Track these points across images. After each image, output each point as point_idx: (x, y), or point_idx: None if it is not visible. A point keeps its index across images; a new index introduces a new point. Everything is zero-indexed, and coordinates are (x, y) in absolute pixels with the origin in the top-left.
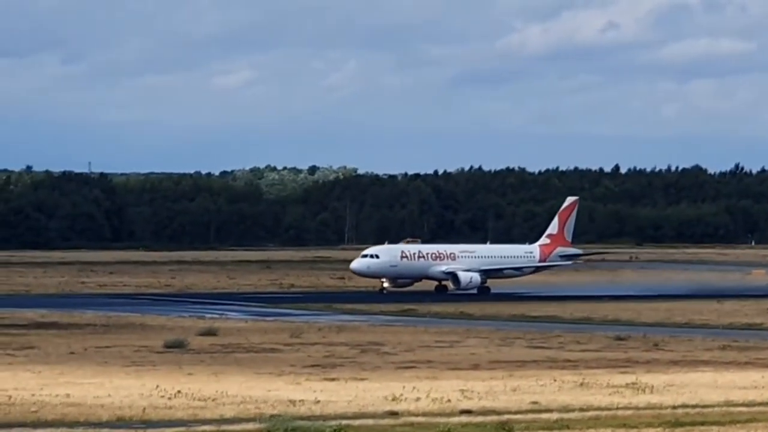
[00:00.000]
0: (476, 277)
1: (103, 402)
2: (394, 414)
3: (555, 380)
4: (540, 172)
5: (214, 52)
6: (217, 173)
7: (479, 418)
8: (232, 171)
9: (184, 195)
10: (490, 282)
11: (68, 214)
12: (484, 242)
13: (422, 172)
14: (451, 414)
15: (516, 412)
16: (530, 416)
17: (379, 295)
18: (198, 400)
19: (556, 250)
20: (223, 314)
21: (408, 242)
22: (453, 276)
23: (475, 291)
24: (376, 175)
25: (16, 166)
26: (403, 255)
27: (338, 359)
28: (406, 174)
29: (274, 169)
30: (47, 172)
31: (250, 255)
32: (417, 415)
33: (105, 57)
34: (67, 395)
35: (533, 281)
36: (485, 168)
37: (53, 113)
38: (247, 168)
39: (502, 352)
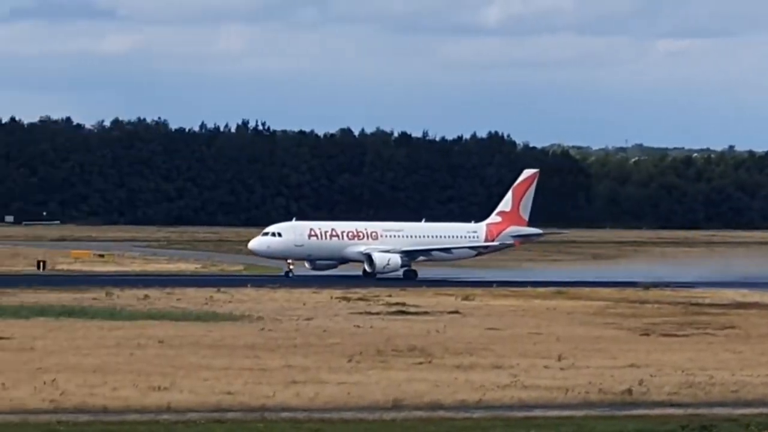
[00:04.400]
0: (395, 258)
1: None
2: None
3: None
4: None
5: None
6: None
7: None
8: None
9: None
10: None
11: None
12: None
13: None
14: None
15: None
16: None
17: None
18: None
19: (508, 229)
20: None
21: None
22: (368, 257)
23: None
24: None
25: (718, 146)
26: (312, 233)
27: None
28: None
29: None
30: (750, 152)
31: None
32: None
33: None
34: None
35: None
36: None
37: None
38: None
39: None
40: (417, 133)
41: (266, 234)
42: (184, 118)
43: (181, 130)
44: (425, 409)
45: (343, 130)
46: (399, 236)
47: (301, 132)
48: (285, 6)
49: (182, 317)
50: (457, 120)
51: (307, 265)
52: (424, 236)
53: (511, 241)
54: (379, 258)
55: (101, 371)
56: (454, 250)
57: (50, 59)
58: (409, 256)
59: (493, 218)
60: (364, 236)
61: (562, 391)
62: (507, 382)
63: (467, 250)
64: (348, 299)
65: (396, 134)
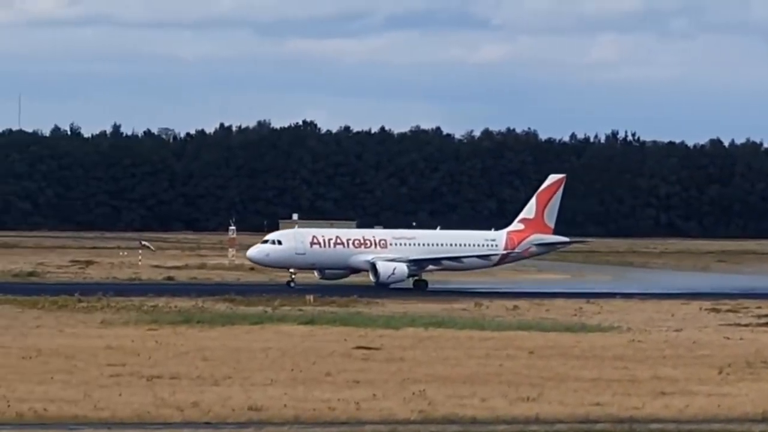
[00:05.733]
0: (401, 268)
1: None
2: None
3: None
4: None
5: None
6: None
7: None
8: None
9: None
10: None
11: None
12: None
13: None
14: None
15: None
16: None
17: None
18: None
19: (531, 237)
20: None
21: None
22: (372, 266)
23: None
24: None
25: None
26: (315, 241)
27: None
28: None
29: None
30: None
31: None
32: None
33: None
34: None
35: None
36: None
37: None
38: None
39: None
40: None
41: (266, 242)
42: (553, 128)
43: (550, 141)
44: None
45: (712, 141)
46: (410, 244)
47: (671, 143)
48: (658, 16)
49: (551, 328)
50: None
51: (316, 274)
52: (436, 244)
53: (534, 250)
54: (383, 267)
55: (470, 382)
56: (464, 260)
57: (422, 69)
58: (417, 265)
59: (515, 225)
60: (371, 244)
61: None
62: None
63: (477, 259)
64: (717, 310)
65: (766, 145)
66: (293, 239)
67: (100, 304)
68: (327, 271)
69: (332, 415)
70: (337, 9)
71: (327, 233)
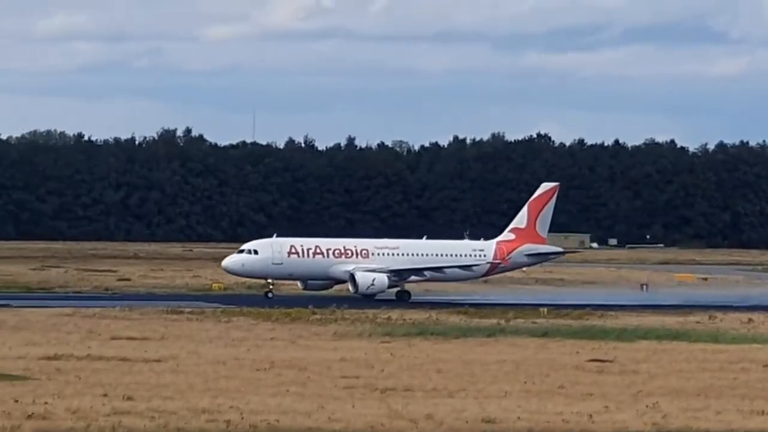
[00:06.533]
0: (381, 278)
1: None
2: None
3: None
4: None
5: None
6: None
7: None
8: None
9: None
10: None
11: None
12: None
13: None
14: None
15: None
16: None
17: None
18: None
19: (522, 247)
20: None
21: None
22: (351, 276)
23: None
24: None
25: None
26: (292, 251)
27: None
28: None
29: None
30: None
31: None
32: None
33: None
34: None
35: None
36: None
37: None
38: None
39: None
40: None
41: (242, 251)
42: None
43: None
44: None
45: None
46: (393, 254)
47: None
48: None
49: None
50: None
51: (299, 285)
52: (420, 255)
53: (524, 260)
54: (362, 278)
55: (704, 395)
56: (446, 270)
57: (657, 82)
58: (399, 275)
59: (506, 235)
60: (353, 254)
61: None
62: None
63: (460, 270)
64: None
65: None
66: (270, 249)
67: (333, 317)
68: (309, 281)
69: (566, 427)
70: (574, 23)
71: (307, 243)
